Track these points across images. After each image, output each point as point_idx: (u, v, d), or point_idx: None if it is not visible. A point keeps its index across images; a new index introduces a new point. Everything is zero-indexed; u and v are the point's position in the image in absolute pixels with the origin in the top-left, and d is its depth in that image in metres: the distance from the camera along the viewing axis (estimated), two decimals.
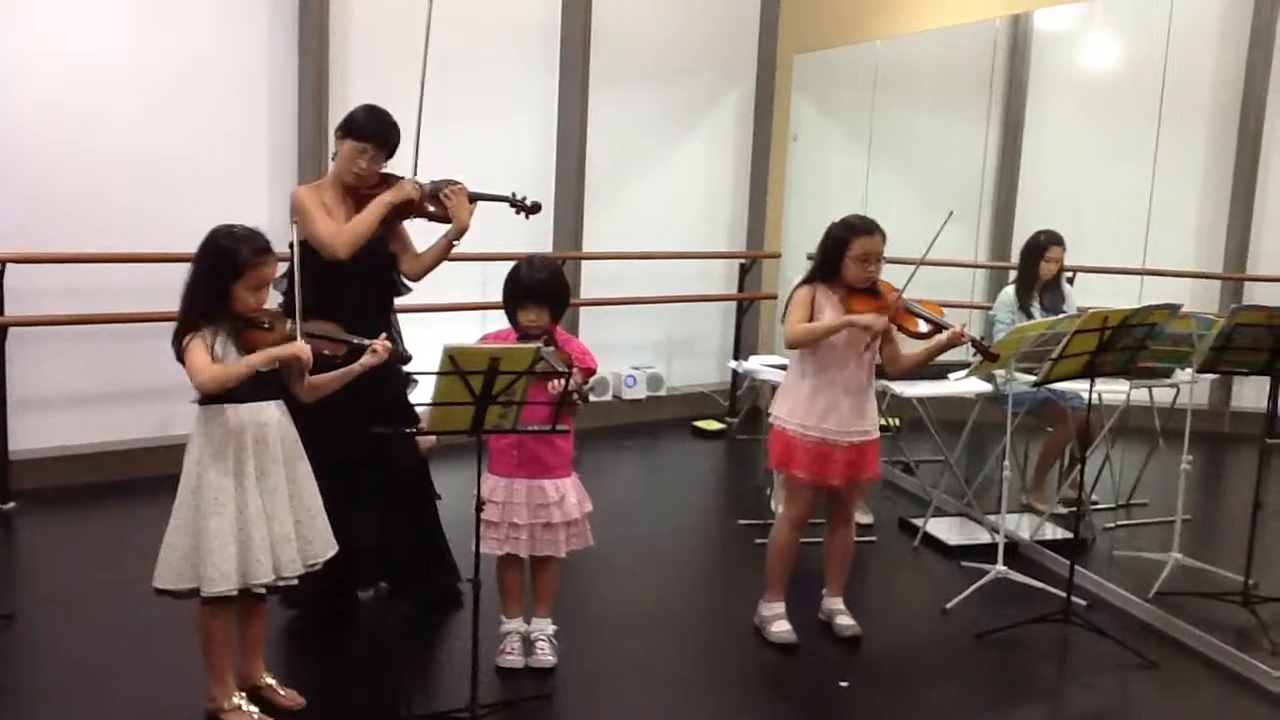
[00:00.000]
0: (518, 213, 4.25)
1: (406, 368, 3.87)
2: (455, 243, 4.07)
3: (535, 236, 6.38)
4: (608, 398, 7.29)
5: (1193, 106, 6.03)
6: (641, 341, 7.62)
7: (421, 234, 4.14)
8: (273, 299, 3.41)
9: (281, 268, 3.45)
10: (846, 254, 3.90)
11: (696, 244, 7.71)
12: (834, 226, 3.98)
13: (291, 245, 3.53)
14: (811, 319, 3.95)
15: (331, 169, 4.06)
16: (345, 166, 3.97)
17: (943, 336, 3.87)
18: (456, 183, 4.07)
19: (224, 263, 3.11)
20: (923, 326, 3.91)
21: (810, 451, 3.95)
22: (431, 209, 4.05)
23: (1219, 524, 5.53)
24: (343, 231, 3.86)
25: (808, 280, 4.03)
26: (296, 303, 3.23)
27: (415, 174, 4.00)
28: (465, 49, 6.56)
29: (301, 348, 3.16)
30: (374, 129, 3.95)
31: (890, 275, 4.00)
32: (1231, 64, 6.07)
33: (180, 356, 3.12)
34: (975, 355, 4.09)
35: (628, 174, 7.42)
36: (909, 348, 4.06)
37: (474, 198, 4.08)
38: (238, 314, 3.15)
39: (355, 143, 3.94)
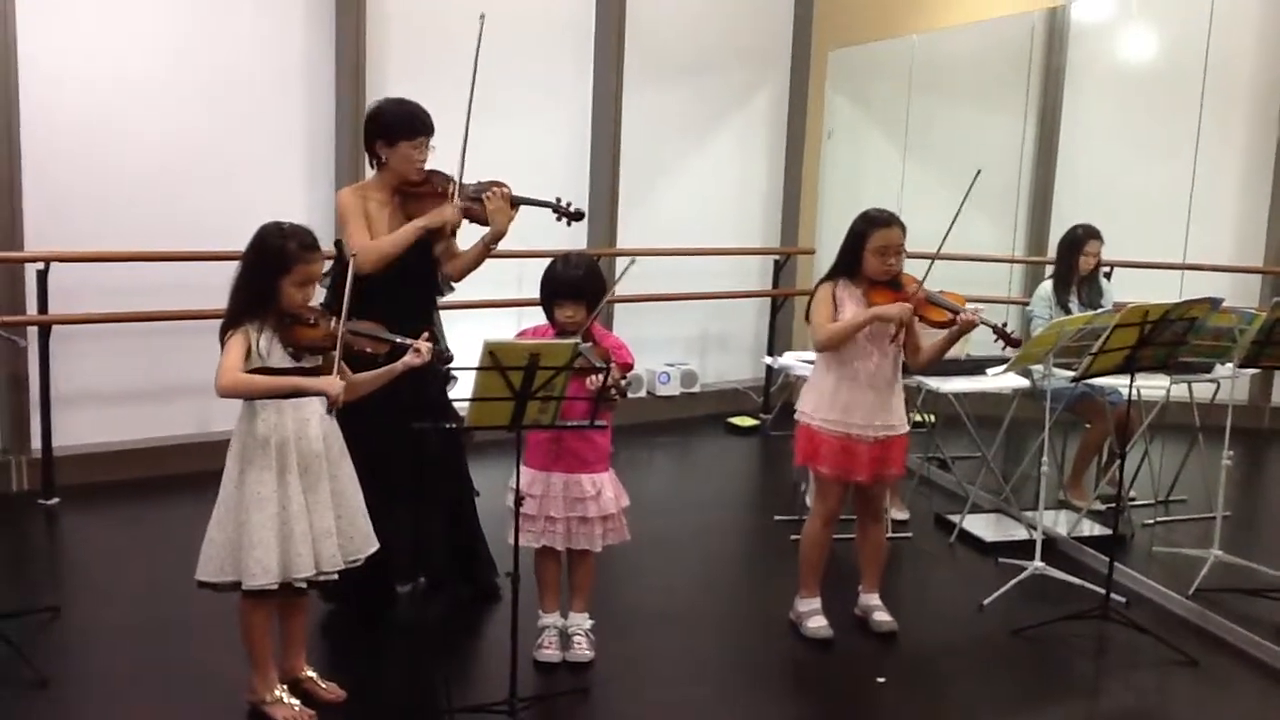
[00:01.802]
0: (559, 219, 4.21)
1: (447, 365, 3.89)
2: (492, 246, 4.08)
3: (570, 233, 6.38)
4: (642, 394, 7.30)
5: (1233, 98, 5.97)
6: (676, 338, 7.63)
7: (462, 233, 4.16)
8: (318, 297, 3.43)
9: (325, 265, 3.48)
10: (866, 247, 3.89)
11: (730, 240, 7.70)
12: (855, 219, 3.98)
13: (337, 244, 3.54)
14: (833, 316, 3.95)
15: (377, 174, 4.04)
16: (406, 167, 3.95)
17: (954, 325, 3.85)
18: (502, 184, 4.07)
19: (272, 258, 3.14)
20: (947, 315, 3.89)
21: (834, 446, 3.95)
22: (474, 210, 4.06)
23: (1259, 520, 5.48)
24: (369, 248, 3.80)
25: (829, 277, 4.02)
26: (345, 301, 3.24)
27: (462, 176, 4.01)
28: (499, 47, 6.57)
29: (332, 383, 3.11)
30: (420, 121, 3.95)
31: (916, 269, 3.99)
32: (1273, 55, 6.01)
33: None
34: (996, 340, 4.06)
35: (662, 170, 7.42)
36: (934, 339, 4.04)
37: (518, 202, 4.06)
38: (284, 310, 3.17)
39: (409, 141, 3.93)
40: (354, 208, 3.93)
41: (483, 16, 3.87)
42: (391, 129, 3.96)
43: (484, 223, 4.04)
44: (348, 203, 3.95)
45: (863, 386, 3.92)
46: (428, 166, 4.03)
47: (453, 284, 4.19)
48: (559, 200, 4.18)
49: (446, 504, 4.22)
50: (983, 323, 3.83)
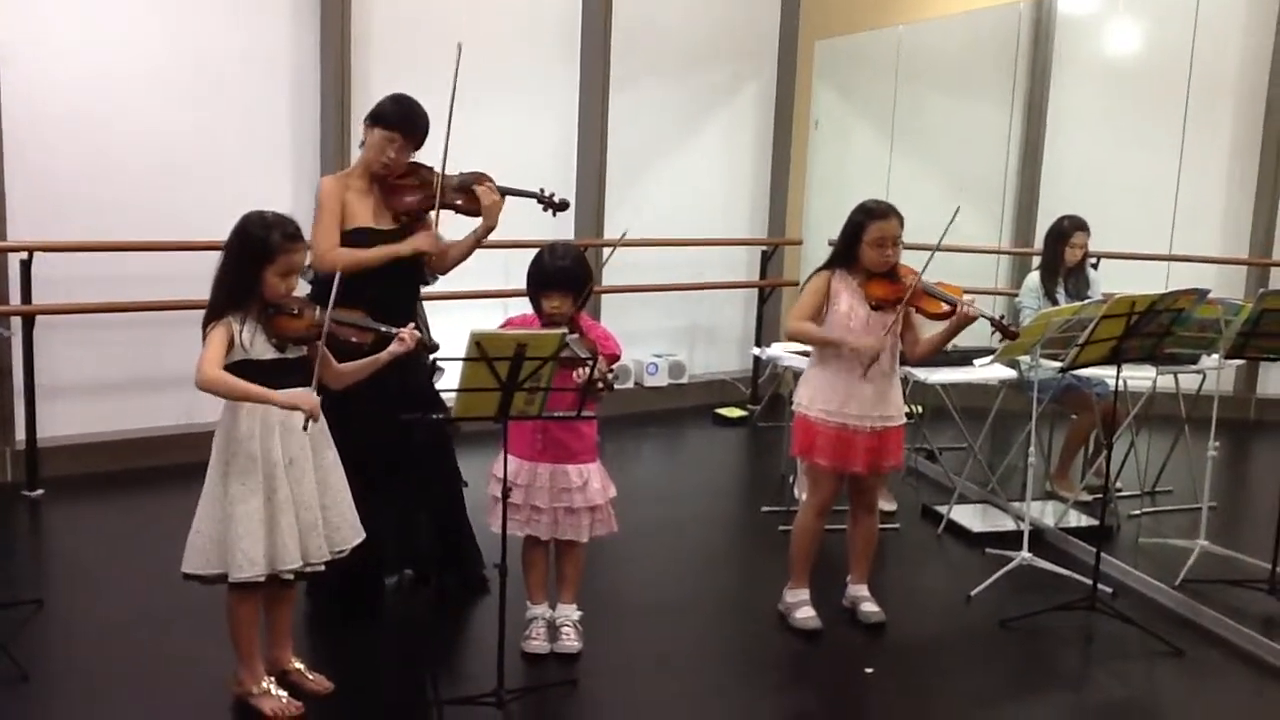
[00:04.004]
0: (545, 209, 4.22)
1: (433, 355, 3.88)
2: (482, 239, 4.08)
3: (557, 225, 6.37)
4: (630, 385, 7.29)
5: (1219, 90, 5.99)
6: (663, 329, 7.62)
7: (451, 226, 4.15)
8: (301, 288, 3.40)
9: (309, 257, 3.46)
10: (863, 238, 3.90)
11: (718, 231, 7.68)
12: (852, 211, 3.98)
13: None
14: (826, 305, 3.95)
15: (360, 157, 4.05)
16: (374, 156, 3.96)
17: (954, 317, 3.85)
18: (487, 177, 4.06)
19: (254, 248, 3.12)
20: (944, 307, 3.89)
21: (832, 438, 3.94)
22: (460, 202, 4.05)
23: (1245, 511, 5.49)
24: (339, 255, 3.80)
25: (827, 266, 4.02)
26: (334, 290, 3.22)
27: (444, 168, 3.99)
28: (487, 38, 6.56)
29: (308, 399, 3.10)
30: (402, 119, 3.94)
31: (913, 261, 3.99)
32: (1258, 47, 6.03)
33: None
34: (994, 333, 4.07)
35: (649, 161, 7.40)
36: (932, 331, 4.04)
37: (503, 193, 4.07)
38: (267, 300, 3.15)
39: (384, 132, 3.93)
40: (330, 200, 3.91)
41: (460, 45, 3.83)
42: (376, 113, 3.98)
43: (472, 215, 4.04)
44: (325, 193, 3.94)
45: (861, 378, 3.91)
46: (413, 159, 4.03)
47: (437, 274, 4.17)
48: (543, 191, 4.18)
49: (434, 495, 4.21)
50: (980, 315, 3.83)
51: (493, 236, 4.17)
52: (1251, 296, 4.66)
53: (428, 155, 4.09)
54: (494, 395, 3.13)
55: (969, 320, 3.82)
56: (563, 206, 4.25)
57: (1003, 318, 3.94)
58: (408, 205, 4.03)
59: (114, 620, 3.97)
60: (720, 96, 7.69)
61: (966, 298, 3.88)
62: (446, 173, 4.01)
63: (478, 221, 4.06)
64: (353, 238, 3.93)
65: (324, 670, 3.52)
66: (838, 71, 7.63)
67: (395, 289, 3.94)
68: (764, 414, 7.30)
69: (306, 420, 3.11)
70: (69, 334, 5.49)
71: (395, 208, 4.02)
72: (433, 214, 4.02)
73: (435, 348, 3.68)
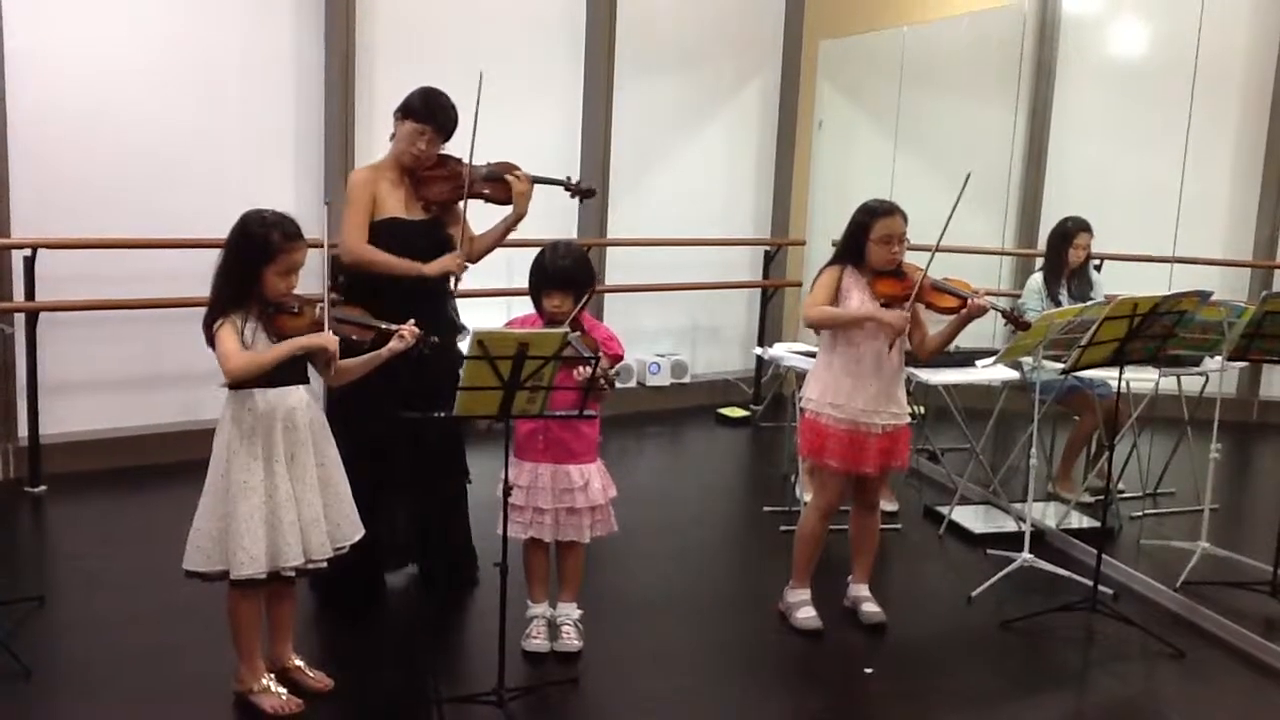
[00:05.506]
0: (572, 196, 4.33)
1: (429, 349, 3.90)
2: (513, 228, 4.13)
3: (560, 223, 6.39)
4: (632, 384, 7.29)
5: (1224, 91, 5.99)
6: (666, 328, 7.62)
7: (477, 215, 4.18)
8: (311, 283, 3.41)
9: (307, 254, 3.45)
10: (869, 237, 3.90)
11: (721, 231, 7.68)
12: (855, 212, 3.98)
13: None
14: (838, 299, 3.94)
15: (390, 149, 4.10)
16: (404, 148, 4.02)
17: (963, 310, 3.84)
18: (516, 167, 4.12)
19: (255, 247, 3.12)
20: (954, 301, 3.88)
21: (844, 439, 3.93)
22: (487, 191, 4.11)
23: (1247, 513, 5.49)
24: (366, 250, 3.92)
25: (836, 262, 4.02)
26: (324, 288, 3.24)
27: (471, 160, 4.03)
28: (491, 34, 6.56)
29: (328, 338, 3.16)
30: (432, 112, 4.00)
31: (916, 261, 3.99)
32: (1264, 49, 6.03)
33: (210, 342, 3.14)
34: (1006, 325, 4.07)
35: (652, 161, 7.40)
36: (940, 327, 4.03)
37: (532, 181, 4.14)
38: (267, 299, 3.16)
39: (413, 125, 4.00)
40: (360, 192, 3.98)
41: (481, 74, 3.92)
42: (406, 106, 4.05)
43: (501, 203, 4.09)
44: (356, 186, 4.00)
45: (869, 374, 3.90)
46: (442, 151, 4.09)
47: (467, 265, 4.19)
48: (569, 179, 4.27)
49: (441, 493, 4.22)
50: (992, 307, 3.83)
51: None
52: (1255, 299, 4.66)
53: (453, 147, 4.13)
54: (496, 394, 3.13)
55: (980, 312, 3.81)
56: (589, 194, 4.36)
57: (1012, 309, 3.94)
58: (438, 195, 4.11)
59: (115, 617, 3.97)
60: (724, 96, 7.69)
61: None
62: (475, 163, 4.06)
63: (505, 211, 4.14)
64: (384, 227, 3.99)
65: (325, 668, 3.52)
66: (842, 72, 7.63)
67: (426, 281, 3.98)
68: (766, 414, 7.30)
69: (329, 363, 3.16)
70: (72, 331, 5.49)
71: (426, 198, 4.10)
72: (462, 204, 4.08)
73: (436, 344, 3.68)
